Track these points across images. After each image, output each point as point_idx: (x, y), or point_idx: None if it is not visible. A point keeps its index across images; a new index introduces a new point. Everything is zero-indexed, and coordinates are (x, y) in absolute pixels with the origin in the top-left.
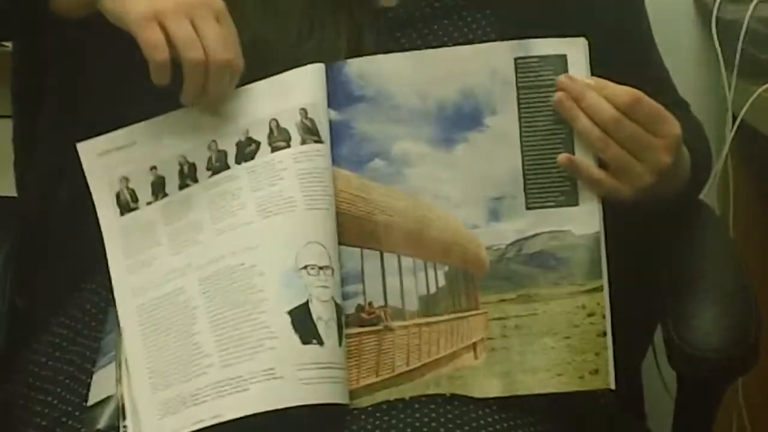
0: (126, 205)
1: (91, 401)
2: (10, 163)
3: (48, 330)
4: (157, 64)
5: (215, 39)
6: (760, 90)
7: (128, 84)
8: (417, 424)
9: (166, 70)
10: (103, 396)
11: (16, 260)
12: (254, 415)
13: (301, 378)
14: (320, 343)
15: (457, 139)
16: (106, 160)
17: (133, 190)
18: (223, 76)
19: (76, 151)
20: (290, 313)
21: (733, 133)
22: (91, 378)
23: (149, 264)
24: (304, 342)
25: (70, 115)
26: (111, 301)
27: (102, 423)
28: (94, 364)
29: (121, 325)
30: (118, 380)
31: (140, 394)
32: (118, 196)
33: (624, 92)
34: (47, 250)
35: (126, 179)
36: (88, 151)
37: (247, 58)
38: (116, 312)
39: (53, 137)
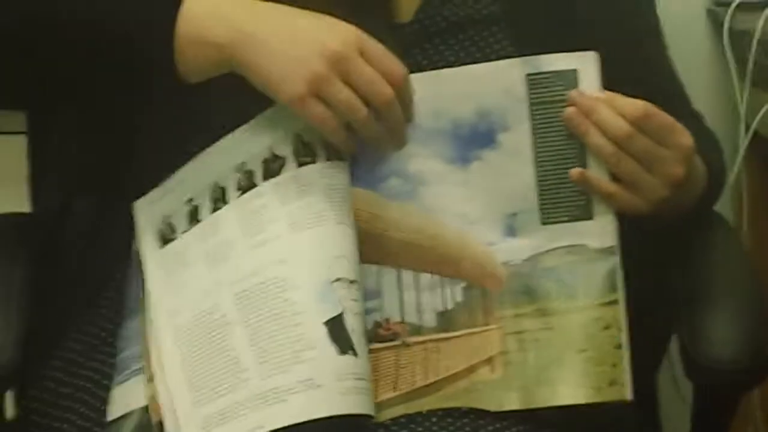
0: (165, 238)
1: (111, 417)
2: (25, 180)
3: (64, 346)
4: (333, 135)
5: (369, 83)
6: None
7: (146, 103)
8: None
9: (343, 133)
10: (124, 411)
11: (32, 277)
12: (294, 425)
13: (340, 388)
14: (355, 354)
15: (471, 157)
16: (154, 207)
17: (171, 224)
18: (393, 110)
19: (91, 167)
20: (326, 324)
21: (746, 143)
22: (109, 394)
23: (185, 286)
24: (342, 353)
25: (85, 132)
26: (125, 317)
27: None
28: (111, 380)
29: (159, 344)
30: (150, 397)
31: (181, 410)
32: (159, 232)
33: (635, 106)
34: (62, 267)
35: (167, 216)
36: (143, 205)
37: None
38: (138, 328)
39: (68, 153)
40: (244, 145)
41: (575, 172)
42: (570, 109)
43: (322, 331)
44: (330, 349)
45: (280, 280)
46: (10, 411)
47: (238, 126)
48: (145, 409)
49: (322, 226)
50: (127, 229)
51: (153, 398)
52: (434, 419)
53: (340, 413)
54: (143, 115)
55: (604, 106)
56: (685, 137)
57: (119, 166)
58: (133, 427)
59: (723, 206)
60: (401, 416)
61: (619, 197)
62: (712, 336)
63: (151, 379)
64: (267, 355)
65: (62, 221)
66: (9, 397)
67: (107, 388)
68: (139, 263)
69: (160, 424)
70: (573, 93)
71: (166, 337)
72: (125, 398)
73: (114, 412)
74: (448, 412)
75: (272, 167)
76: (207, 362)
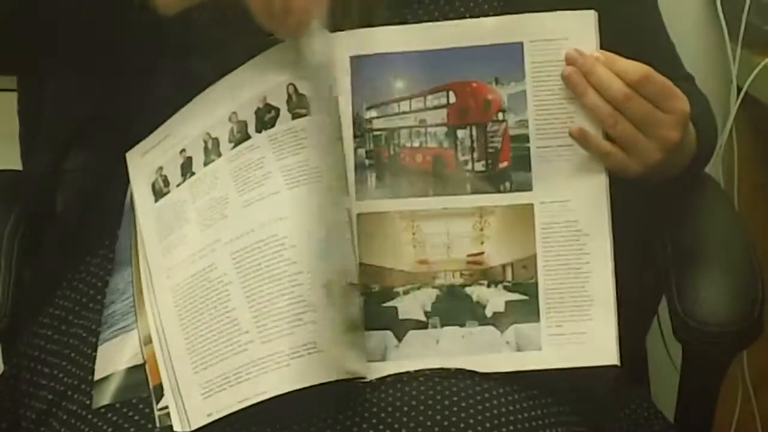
0: (160, 191)
1: (97, 376)
2: (17, 136)
3: (53, 303)
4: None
5: None
6: (765, 61)
7: (136, 59)
8: (422, 397)
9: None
10: (109, 372)
11: (23, 233)
12: (296, 390)
13: (341, 352)
14: (354, 316)
15: None
16: (146, 158)
17: (165, 176)
18: None
19: (84, 124)
20: (326, 285)
21: (737, 105)
22: (96, 351)
23: (180, 243)
24: (341, 315)
25: (77, 88)
26: (116, 270)
27: (109, 398)
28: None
29: (157, 306)
30: (147, 359)
31: (181, 374)
32: (153, 185)
33: (634, 68)
34: (53, 223)
35: (161, 168)
36: (134, 155)
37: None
38: (126, 281)
39: (60, 109)
40: (234, 92)
41: (575, 129)
42: (568, 69)
43: (322, 293)
44: (330, 311)
45: (278, 239)
46: None
47: None
48: (129, 370)
49: (320, 182)
50: (122, 188)
51: (151, 361)
52: (422, 379)
53: (341, 378)
54: (139, 72)
55: (602, 66)
56: (681, 102)
57: (114, 124)
58: (115, 389)
59: (714, 168)
60: (388, 376)
61: (615, 158)
62: (701, 297)
63: (147, 342)
64: (267, 317)
65: (54, 179)
66: None
67: (95, 346)
68: (132, 215)
69: (160, 388)
70: (571, 52)
71: (164, 297)
72: (110, 357)
73: (100, 371)
74: (436, 372)
75: (266, 118)
76: (207, 324)
